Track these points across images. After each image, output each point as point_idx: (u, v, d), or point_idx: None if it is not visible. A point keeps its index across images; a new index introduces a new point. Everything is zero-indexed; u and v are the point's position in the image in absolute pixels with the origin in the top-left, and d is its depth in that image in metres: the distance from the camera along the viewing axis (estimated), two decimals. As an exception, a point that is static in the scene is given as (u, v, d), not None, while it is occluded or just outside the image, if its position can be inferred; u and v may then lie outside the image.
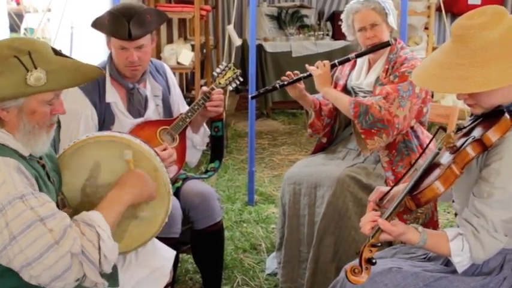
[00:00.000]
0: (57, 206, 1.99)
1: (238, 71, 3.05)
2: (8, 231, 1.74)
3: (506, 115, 1.93)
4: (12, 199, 1.75)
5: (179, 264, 3.38)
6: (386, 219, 1.92)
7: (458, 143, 1.98)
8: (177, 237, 2.78)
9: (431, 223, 3.08)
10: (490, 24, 1.89)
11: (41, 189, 1.88)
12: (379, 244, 1.89)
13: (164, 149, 2.71)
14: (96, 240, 1.84)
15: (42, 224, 1.76)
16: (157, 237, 2.34)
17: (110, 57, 2.89)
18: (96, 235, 1.85)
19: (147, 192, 2.10)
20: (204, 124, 3.11)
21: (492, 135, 1.92)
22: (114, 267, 2.13)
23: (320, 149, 3.41)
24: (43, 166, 1.98)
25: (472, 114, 2.14)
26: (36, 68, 1.80)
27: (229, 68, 3.04)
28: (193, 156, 3.13)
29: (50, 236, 1.76)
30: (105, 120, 2.84)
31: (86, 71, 1.94)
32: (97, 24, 2.85)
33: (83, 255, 1.81)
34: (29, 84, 1.79)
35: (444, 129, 2.23)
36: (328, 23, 7.63)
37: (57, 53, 1.93)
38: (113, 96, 2.86)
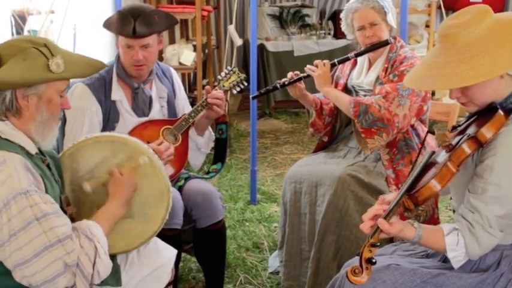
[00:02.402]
0: (61, 204, 2.02)
1: (243, 75, 3.08)
2: (9, 228, 1.78)
3: (500, 111, 1.95)
4: (16, 194, 1.79)
5: (181, 264, 3.40)
6: (385, 218, 1.94)
7: (454, 141, 2.00)
8: (179, 229, 2.82)
9: (432, 220, 3.09)
10: (474, 21, 1.93)
11: (46, 188, 1.91)
12: (378, 244, 1.90)
13: (160, 143, 2.74)
14: (93, 255, 1.89)
15: (40, 224, 1.80)
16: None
17: (118, 56, 2.94)
18: (93, 250, 1.89)
19: (132, 191, 2.17)
20: (209, 128, 3.15)
21: (486, 131, 1.94)
22: (117, 267, 2.16)
23: (321, 147, 3.43)
24: (48, 166, 2.02)
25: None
26: (54, 56, 1.91)
27: (234, 72, 3.08)
28: (197, 159, 3.17)
29: (46, 237, 1.80)
30: (110, 117, 2.89)
31: (92, 63, 2.10)
32: (107, 23, 2.93)
33: (78, 268, 1.85)
34: (51, 70, 1.90)
35: (432, 132, 2.25)
36: (330, 22, 7.64)
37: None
38: (119, 94, 2.92)
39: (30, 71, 1.87)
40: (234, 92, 3.15)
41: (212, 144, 3.19)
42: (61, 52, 1.97)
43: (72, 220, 2.02)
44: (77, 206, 2.15)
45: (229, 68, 3.10)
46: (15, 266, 1.80)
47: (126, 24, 2.79)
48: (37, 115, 1.94)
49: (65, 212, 2.02)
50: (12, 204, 1.78)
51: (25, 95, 1.91)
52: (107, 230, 1.99)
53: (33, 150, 1.95)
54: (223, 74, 3.08)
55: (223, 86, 3.05)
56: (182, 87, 3.21)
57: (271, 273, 3.54)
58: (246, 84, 3.12)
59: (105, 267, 1.92)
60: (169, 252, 2.36)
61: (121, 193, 2.12)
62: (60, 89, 1.98)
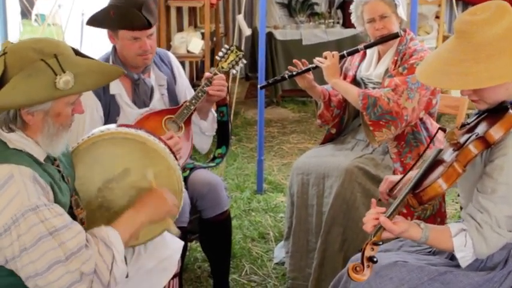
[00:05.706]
0: (71, 207, 2.01)
1: (241, 53, 3.02)
2: (19, 244, 1.75)
3: (511, 111, 1.93)
4: (25, 211, 1.75)
5: (187, 253, 3.41)
6: (388, 217, 1.92)
7: (462, 140, 1.98)
8: (185, 226, 2.81)
9: (439, 214, 3.08)
10: (493, 19, 1.88)
11: (56, 196, 1.88)
12: (381, 243, 1.89)
13: (170, 137, 2.70)
14: (110, 262, 1.86)
15: (52, 238, 1.77)
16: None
17: (114, 49, 2.88)
18: (111, 257, 1.87)
19: (165, 211, 2.09)
20: (212, 109, 3.11)
21: (495, 132, 1.92)
22: (124, 259, 2.16)
23: (329, 139, 3.41)
24: (58, 167, 1.98)
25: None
26: (64, 72, 1.78)
27: (232, 51, 3.01)
28: (203, 143, 3.14)
29: (60, 251, 1.77)
30: (110, 111, 2.85)
31: (108, 72, 1.94)
32: (98, 21, 2.81)
33: (95, 275, 1.83)
34: (58, 88, 1.77)
35: (444, 130, 2.23)
36: (339, 11, 7.61)
37: (77, 53, 1.92)
38: (117, 87, 2.85)
39: (34, 90, 1.76)
40: (234, 71, 3.09)
41: (216, 126, 3.14)
42: (73, 63, 1.83)
43: (82, 224, 2.00)
44: (88, 205, 2.12)
45: (226, 46, 3.04)
46: (27, 278, 1.78)
47: (134, 16, 2.71)
48: (43, 128, 1.85)
49: (75, 216, 2.00)
50: (22, 221, 1.75)
51: (30, 111, 1.81)
52: (125, 237, 1.94)
53: (42, 157, 1.90)
54: (221, 53, 3.02)
55: (222, 67, 3.00)
56: (182, 72, 3.15)
57: (276, 264, 3.55)
58: (245, 61, 3.06)
59: (121, 273, 1.89)
60: (176, 244, 2.36)
61: (142, 203, 2.05)
62: (71, 101, 1.87)
